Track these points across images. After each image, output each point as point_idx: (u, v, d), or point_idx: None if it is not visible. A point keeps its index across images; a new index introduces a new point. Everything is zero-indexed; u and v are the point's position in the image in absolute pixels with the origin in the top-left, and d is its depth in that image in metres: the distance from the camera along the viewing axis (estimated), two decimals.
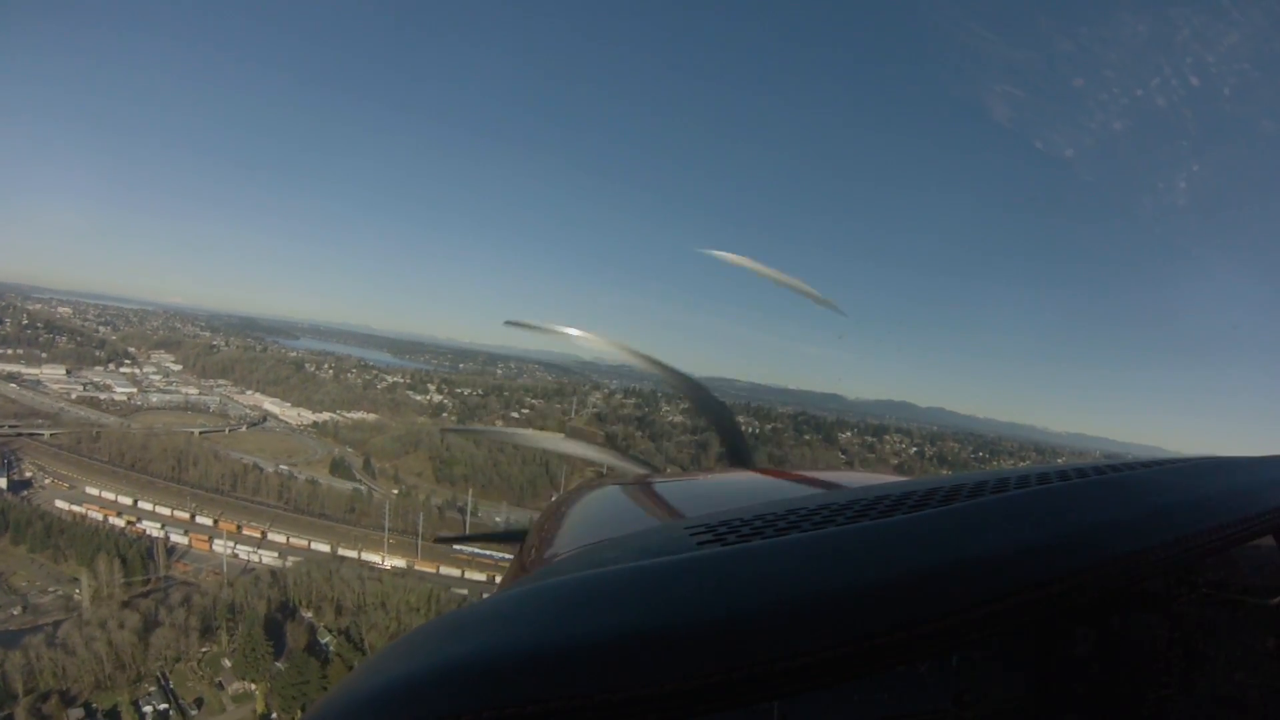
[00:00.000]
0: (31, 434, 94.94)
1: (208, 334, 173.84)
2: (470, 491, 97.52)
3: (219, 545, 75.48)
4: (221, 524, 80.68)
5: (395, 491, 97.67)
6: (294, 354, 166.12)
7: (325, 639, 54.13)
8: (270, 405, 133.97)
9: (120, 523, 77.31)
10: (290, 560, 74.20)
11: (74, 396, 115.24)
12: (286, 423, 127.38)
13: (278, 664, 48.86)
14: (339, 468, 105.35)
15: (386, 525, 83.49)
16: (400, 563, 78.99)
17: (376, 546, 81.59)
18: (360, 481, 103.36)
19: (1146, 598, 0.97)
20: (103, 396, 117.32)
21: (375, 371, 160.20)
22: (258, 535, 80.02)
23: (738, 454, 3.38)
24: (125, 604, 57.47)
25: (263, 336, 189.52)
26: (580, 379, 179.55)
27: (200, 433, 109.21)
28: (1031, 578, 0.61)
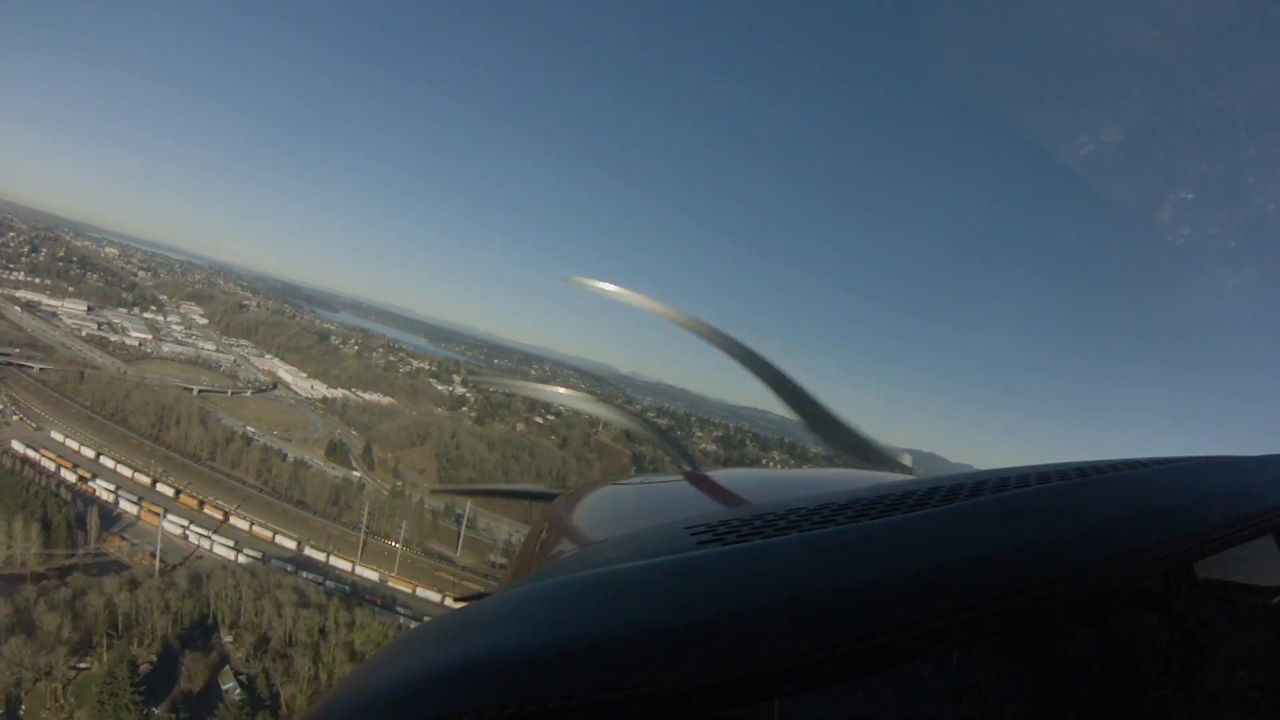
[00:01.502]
0: (20, 365, 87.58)
1: (246, 293, 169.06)
2: (470, 500, 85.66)
3: (170, 523, 64.80)
4: (183, 497, 70.49)
5: (389, 489, 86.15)
6: (324, 325, 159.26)
7: (228, 684, 41.72)
8: (284, 373, 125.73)
9: (72, 477, 67.84)
10: (244, 555, 63.01)
11: (84, 334, 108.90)
12: (297, 393, 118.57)
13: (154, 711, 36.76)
14: (335, 451, 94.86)
15: (364, 527, 71.75)
16: (372, 575, 66.97)
17: (352, 550, 69.99)
18: (355, 470, 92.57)
19: (1146, 598, 0.96)
20: (114, 338, 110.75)
21: (402, 354, 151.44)
22: (218, 517, 69.35)
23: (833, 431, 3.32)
24: (14, 581, 46.65)
25: (301, 304, 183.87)
26: (615, 391, 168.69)
27: (199, 391, 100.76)
28: (1031, 578, 0.61)
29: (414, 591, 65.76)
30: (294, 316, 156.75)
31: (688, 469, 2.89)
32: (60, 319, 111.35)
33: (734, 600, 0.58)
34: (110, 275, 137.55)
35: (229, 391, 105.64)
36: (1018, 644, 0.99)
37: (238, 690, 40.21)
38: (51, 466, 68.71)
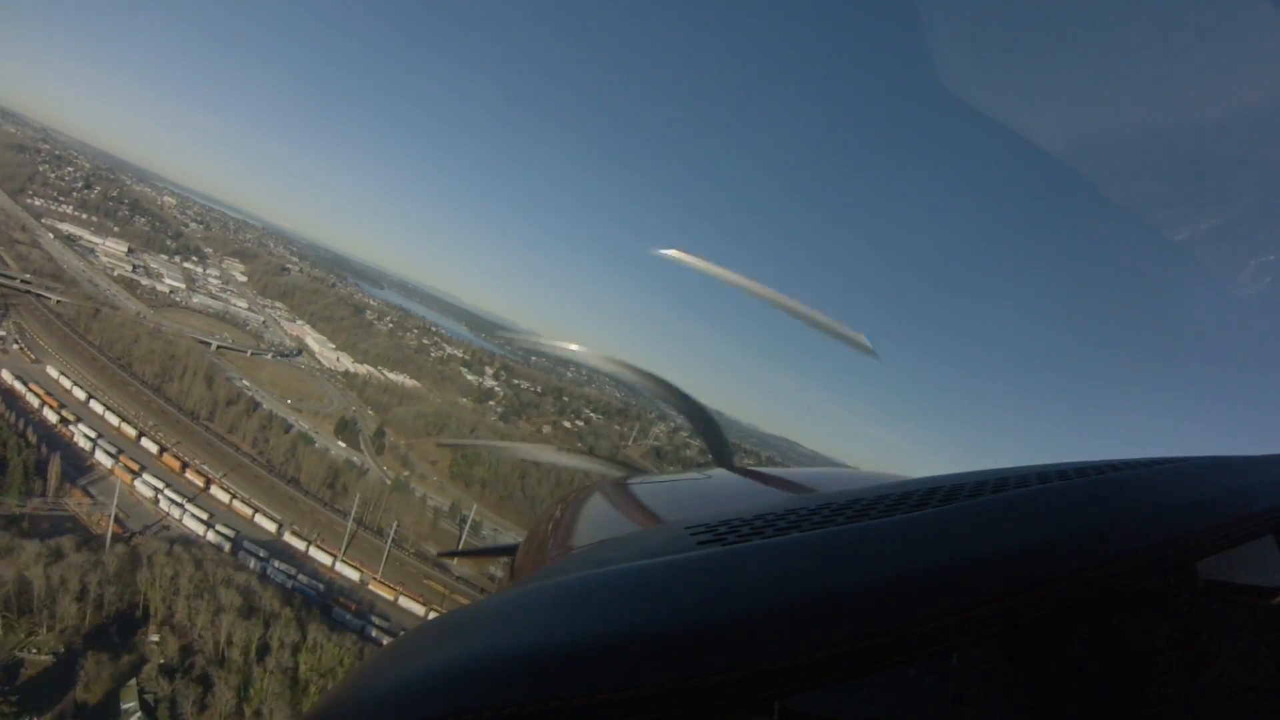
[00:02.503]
0: (38, 294, 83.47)
1: (293, 258, 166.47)
2: (480, 502, 77.13)
3: (144, 484, 57.90)
4: (166, 457, 63.75)
5: (391, 479, 78.15)
6: (364, 298, 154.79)
7: (129, 703, 33.06)
8: (312, 341, 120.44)
9: (54, 418, 61.86)
10: (214, 533, 55.46)
11: (115, 274, 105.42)
12: (320, 363, 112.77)
13: None
14: (345, 429, 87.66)
15: (352, 517, 63.64)
16: (353, 574, 58.62)
17: (337, 542, 61.94)
18: (361, 452, 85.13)
19: (1146, 598, 0.96)
20: (145, 282, 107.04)
21: (437, 338, 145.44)
22: (199, 484, 62.24)
23: (720, 454, 3.17)
24: None
25: (347, 276, 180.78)
26: (648, 405, 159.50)
27: (217, 346, 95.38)
28: (1031, 578, 0.61)
29: (396, 600, 57.18)
30: (334, 286, 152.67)
31: (721, 466, 2.77)
32: (97, 256, 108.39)
33: (734, 600, 0.58)
34: (158, 221, 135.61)
35: (249, 351, 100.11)
36: (1018, 644, 0.98)
37: (137, 715, 31.74)
38: (35, 403, 63.03)
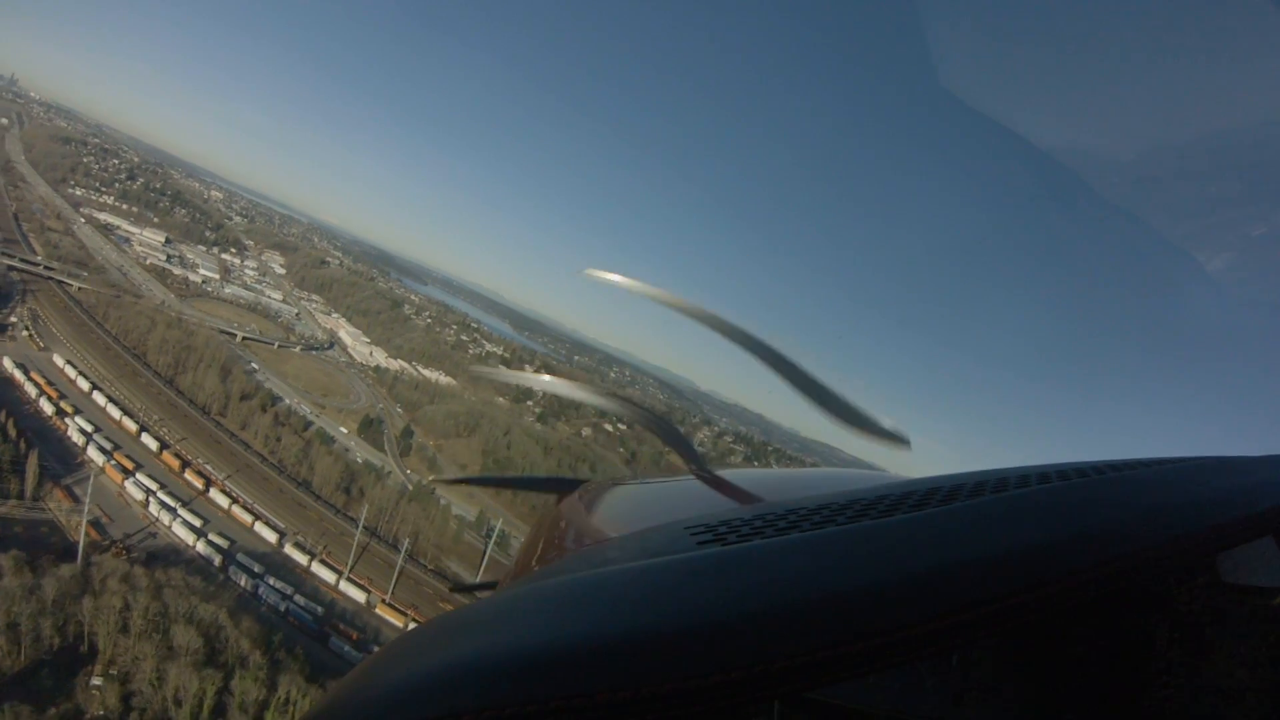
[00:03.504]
0: (60, 280, 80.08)
1: (336, 253, 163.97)
2: (511, 511, 69.40)
3: (134, 485, 51.99)
4: (166, 455, 57.94)
5: (413, 483, 71.05)
6: (404, 293, 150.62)
7: None
8: (345, 334, 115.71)
9: (49, 409, 56.85)
10: (204, 544, 48.98)
11: (147, 262, 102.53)
12: (351, 357, 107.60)
13: None
14: (369, 428, 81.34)
15: (361, 528, 56.48)
16: (359, 596, 51.35)
17: (346, 554, 54.94)
18: (384, 453, 78.63)
19: (1146, 598, 0.96)
20: (177, 272, 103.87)
21: (476, 335, 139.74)
22: (197, 487, 56.14)
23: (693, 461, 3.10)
24: None
25: (389, 271, 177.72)
26: (691, 407, 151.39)
27: (243, 337, 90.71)
28: (1031, 578, 0.61)
29: (405, 626, 49.39)
30: (374, 280, 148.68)
31: (695, 469, 2.76)
32: (132, 245, 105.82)
33: (734, 600, 0.58)
34: (199, 213, 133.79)
35: (276, 343, 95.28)
36: (1018, 644, 0.97)
37: None
38: (33, 393, 58.25)
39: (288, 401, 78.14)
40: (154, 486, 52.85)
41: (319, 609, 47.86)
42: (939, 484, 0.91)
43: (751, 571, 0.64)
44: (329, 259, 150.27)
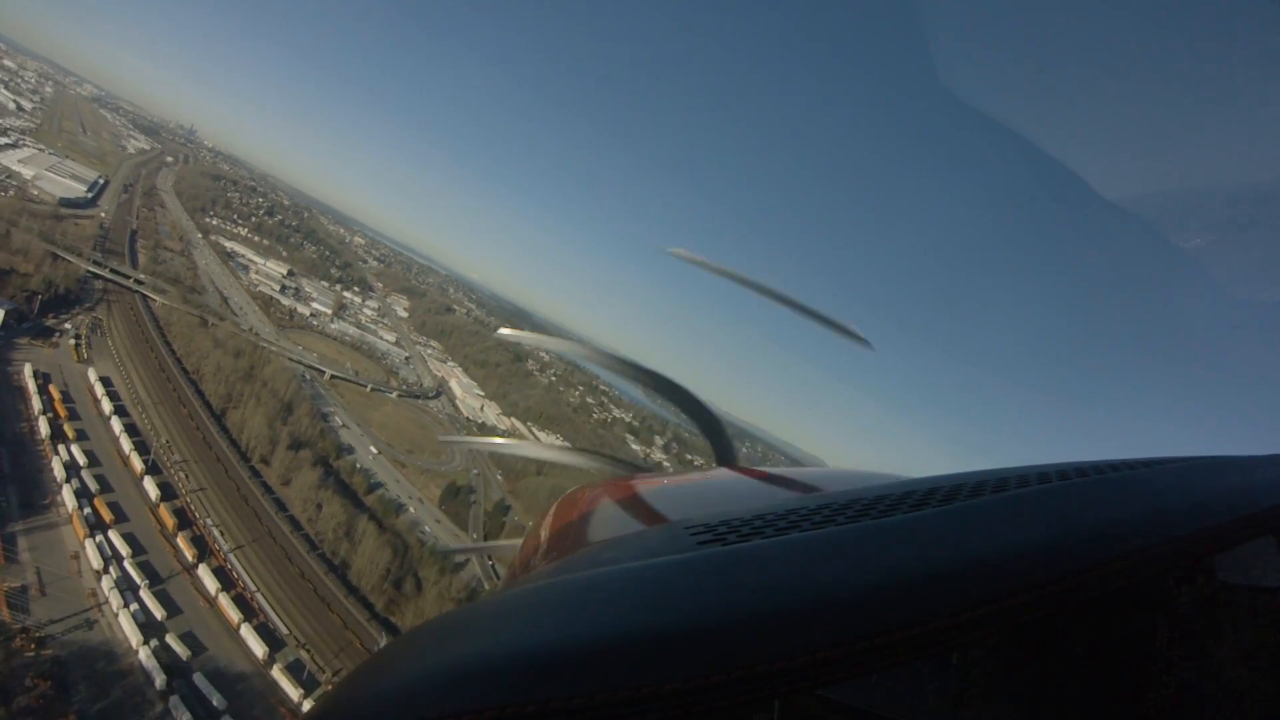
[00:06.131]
0: (145, 294, 69.21)
1: (469, 304, 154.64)
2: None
3: (94, 546, 34.59)
4: (163, 509, 39.72)
5: (489, 580, 47.56)
6: (530, 349, 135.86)
7: None
8: (456, 384, 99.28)
9: (45, 431, 41.82)
10: (151, 650, 28.39)
11: (257, 288, 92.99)
12: (458, 410, 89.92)
13: None
14: (454, 497, 60.26)
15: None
16: None
17: None
18: (467, 532, 56.66)
19: (1146, 598, 0.96)
20: (285, 302, 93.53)
21: (604, 398, 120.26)
22: (187, 558, 36.82)
23: (724, 452, 3.20)
24: None
25: (522, 326, 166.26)
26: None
27: (332, 375, 75.38)
28: (1031, 578, 0.61)
29: None
30: (496, 330, 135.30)
31: (724, 465, 2.67)
32: (249, 273, 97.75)
33: (734, 600, 0.58)
34: (329, 250, 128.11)
35: (369, 386, 79.16)
36: (1018, 644, 0.97)
37: None
38: (36, 408, 43.04)
39: (359, 454, 59.25)
40: (125, 551, 34.84)
41: None
42: (939, 484, 0.90)
43: (752, 571, 0.63)
44: (454, 306, 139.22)
